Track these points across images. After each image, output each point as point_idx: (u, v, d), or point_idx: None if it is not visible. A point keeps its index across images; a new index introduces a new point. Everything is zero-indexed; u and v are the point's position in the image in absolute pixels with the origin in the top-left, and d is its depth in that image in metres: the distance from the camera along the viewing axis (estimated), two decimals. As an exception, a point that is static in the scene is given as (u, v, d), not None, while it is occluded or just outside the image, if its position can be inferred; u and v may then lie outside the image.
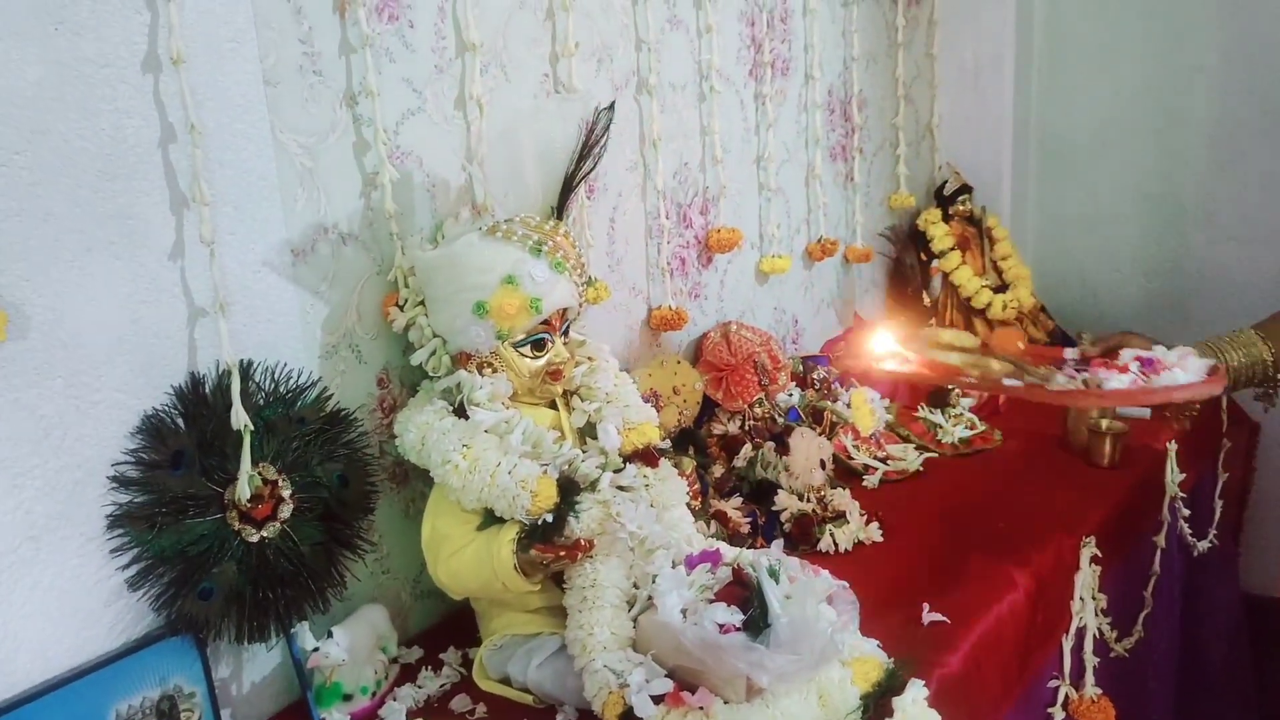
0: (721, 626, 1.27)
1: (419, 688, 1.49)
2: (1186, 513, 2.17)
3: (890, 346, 2.00)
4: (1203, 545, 2.27)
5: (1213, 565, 2.40)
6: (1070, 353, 1.94)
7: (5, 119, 1.10)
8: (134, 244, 1.23)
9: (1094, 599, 1.83)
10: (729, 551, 1.44)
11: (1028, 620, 1.66)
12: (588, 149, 1.49)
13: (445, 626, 1.65)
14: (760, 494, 1.93)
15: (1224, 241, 2.70)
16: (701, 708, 1.22)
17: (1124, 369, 1.69)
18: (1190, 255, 2.77)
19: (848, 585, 1.39)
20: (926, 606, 1.57)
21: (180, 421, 1.29)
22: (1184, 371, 1.68)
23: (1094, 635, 1.82)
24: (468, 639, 1.57)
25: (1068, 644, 1.77)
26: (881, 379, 2.17)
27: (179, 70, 1.22)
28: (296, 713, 1.44)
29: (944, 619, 1.55)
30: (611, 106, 1.51)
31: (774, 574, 1.32)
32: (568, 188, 1.50)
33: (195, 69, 1.24)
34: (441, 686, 1.51)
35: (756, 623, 1.27)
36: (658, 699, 1.24)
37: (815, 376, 2.30)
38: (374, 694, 1.46)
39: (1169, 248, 2.80)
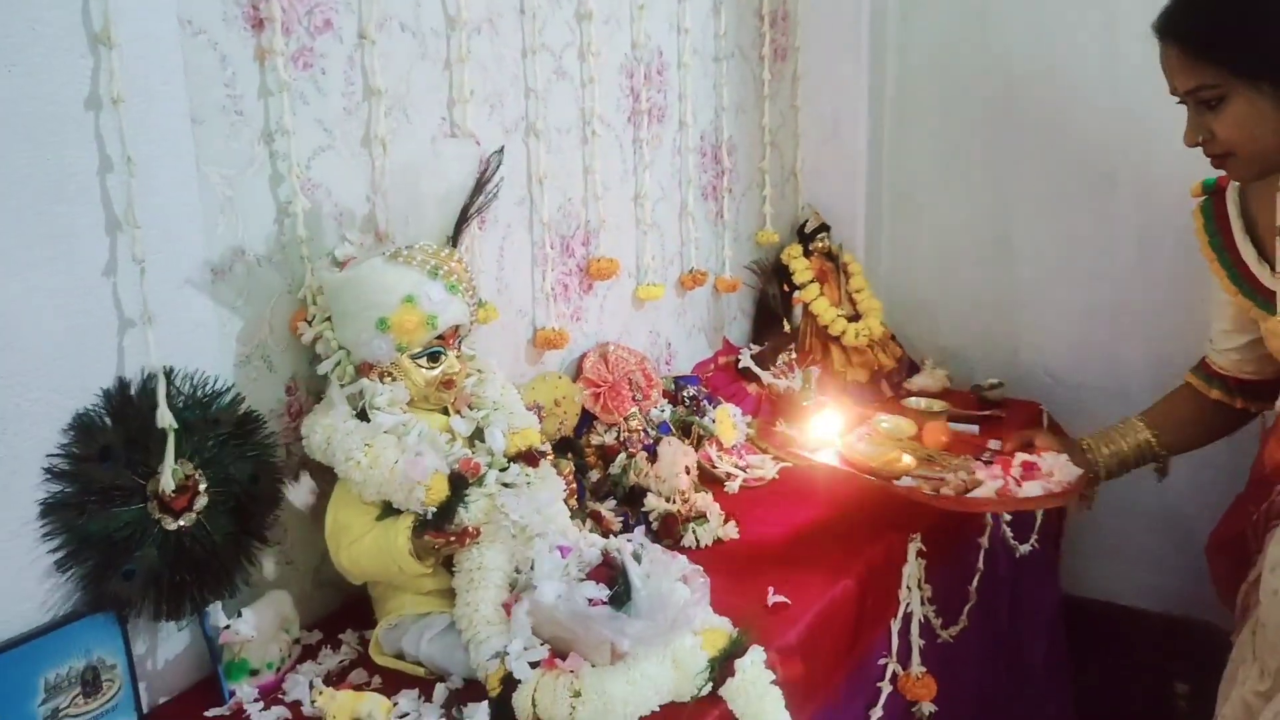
0: (591, 601, 1.47)
1: (319, 664, 1.64)
2: (1008, 517, 2.45)
3: (829, 435, 2.28)
4: (1024, 548, 2.52)
5: (1035, 567, 2.65)
6: (993, 444, 2.29)
7: (-39, 148, 1.24)
8: (72, 260, 1.37)
9: (920, 588, 2.09)
10: (600, 541, 1.64)
11: (859, 603, 1.88)
12: (480, 187, 1.68)
13: (343, 614, 1.79)
14: (633, 498, 2.13)
15: (1048, 278, 2.96)
16: (572, 670, 1.41)
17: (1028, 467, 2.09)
18: (1020, 291, 3.01)
19: (701, 568, 1.61)
20: (771, 590, 1.79)
21: (108, 420, 1.43)
22: (1056, 475, 2.03)
23: (920, 620, 2.08)
24: (364, 623, 1.72)
25: (895, 626, 2.02)
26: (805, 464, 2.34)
27: (118, 109, 1.37)
28: (207, 686, 1.56)
29: (785, 600, 1.78)
30: (501, 150, 1.70)
31: (637, 557, 1.53)
32: (463, 219, 1.68)
33: (131, 108, 1.39)
34: (340, 662, 1.65)
35: (621, 597, 1.47)
36: (534, 664, 1.43)
37: (685, 394, 2.51)
38: (278, 669, 1.60)
39: (1003, 284, 3.03)
